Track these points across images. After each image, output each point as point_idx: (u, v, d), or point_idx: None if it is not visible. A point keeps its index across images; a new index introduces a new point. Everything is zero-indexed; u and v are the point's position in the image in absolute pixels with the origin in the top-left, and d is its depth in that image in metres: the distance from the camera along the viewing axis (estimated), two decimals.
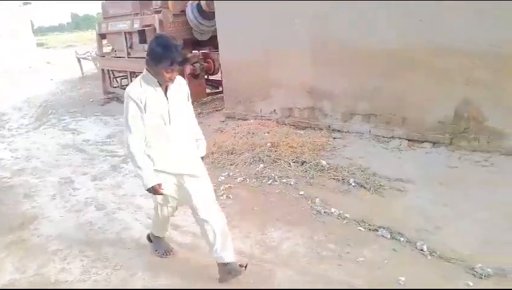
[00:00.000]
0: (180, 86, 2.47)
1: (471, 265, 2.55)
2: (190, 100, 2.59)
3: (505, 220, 3.01)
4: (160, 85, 2.37)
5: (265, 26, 5.64)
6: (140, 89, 2.34)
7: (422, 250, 2.76)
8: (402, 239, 2.90)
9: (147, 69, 2.35)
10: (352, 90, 5.08)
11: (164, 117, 2.39)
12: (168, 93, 2.40)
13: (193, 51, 7.86)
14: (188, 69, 7.17)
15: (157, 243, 3.01)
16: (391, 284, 2.48)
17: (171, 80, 2.32)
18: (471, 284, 2.41)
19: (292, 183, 3.97)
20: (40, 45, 25.35)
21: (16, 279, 2.89)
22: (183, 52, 2.27)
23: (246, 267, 2.58)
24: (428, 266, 2.62)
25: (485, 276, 2.46)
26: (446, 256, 2.68)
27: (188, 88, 2.55)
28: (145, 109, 2.33)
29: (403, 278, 2.50)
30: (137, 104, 2.32)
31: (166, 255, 2.96)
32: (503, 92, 3.95)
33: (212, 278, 2.65)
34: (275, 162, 4.46)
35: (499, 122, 4.04)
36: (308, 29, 5.26)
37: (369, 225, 3.13)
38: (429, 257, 2.70)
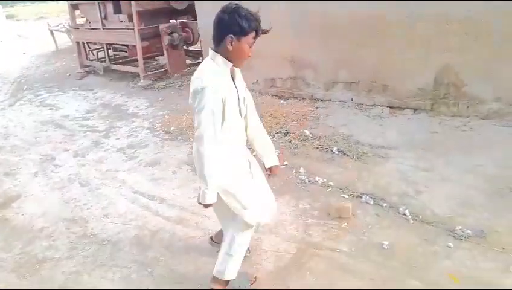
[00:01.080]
0: (239, 72, 2.09)
1: (452, 227, 2.65)
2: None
3: (483, 183, 3.11)
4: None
5: None
6: (216, 78, 1.89)
7: (404, 214, 2.85)
8: (385, 205, 2.98)
9: (215, 51, 1.93)
10: (333, 59, 5.04)
11: (237, 110, 2.02)
12: (235, 81, 2.02)
13: (170, 21, 7.62)
14: (166, 39, 6.97)
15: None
16: (375, 247, 2.57)
17: (250, 57, 1.95)
18: (452, 245, 2.51)
19: (277, 154, 3.97)
20: (9, 17, 24.12)
21: (3, 258, 2.86)
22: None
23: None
24: (411, 229, 2.71)
25: (464, 237, 2.56)
26: (428, 219, 2.77)
27: None
28: (225, 102, 1.90)
29: (386, 242, 2.58)
30: (217, 96, 1.87)
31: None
32: (480, 58, 3.99)
33: (199, 248, 2.70)
34: None
35: (477, 88, 4.10)
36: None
37: (352, 191, 3.19)
38: (412, 221, 2.79)
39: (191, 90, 1.92)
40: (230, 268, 2.20)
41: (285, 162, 3.78)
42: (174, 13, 7.72)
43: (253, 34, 1.87)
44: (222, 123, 1.93)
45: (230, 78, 1.99)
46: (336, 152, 3.87)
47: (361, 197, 3.11)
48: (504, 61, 3.88)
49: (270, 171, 2.32)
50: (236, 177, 2.09)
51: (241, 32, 1.85)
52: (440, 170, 3.37)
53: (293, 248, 2.65)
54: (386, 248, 2.55)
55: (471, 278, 2.26)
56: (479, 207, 2.85)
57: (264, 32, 1.94)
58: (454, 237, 2.58)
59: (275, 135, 4.37)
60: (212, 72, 1.91)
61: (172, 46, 7.15)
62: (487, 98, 4.07)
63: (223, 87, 1.90)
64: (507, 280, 2.23)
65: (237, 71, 2.06)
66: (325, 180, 3.41)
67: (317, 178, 3.45)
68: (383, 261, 2.46)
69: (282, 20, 5.21)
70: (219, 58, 1.92)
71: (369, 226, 2.78)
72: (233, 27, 1.84)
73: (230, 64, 1.95)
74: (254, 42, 1.92)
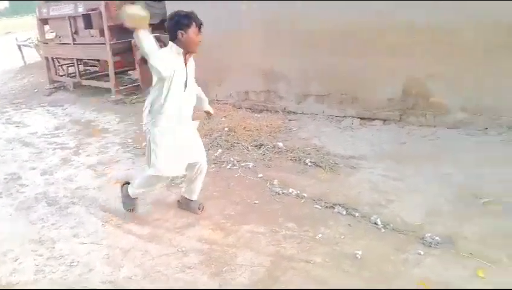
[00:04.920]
0: (192, 62, 2.87)
1: (422, 235, 2.71)
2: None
3: (450, 191, 3.21)
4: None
5: (217, 8, 5.53)
6: (170, 55, 2.66)
7: (376, 223, 2.89)
8: (357, 214, 3.02)
9: (173, 41, 2.67)
10: (305, 72, 5.14)
11: (182, 85, 2.75)
12: (187, 67, 2.77)
13: None
14: (138, 54, 6.91)
15: (128, 198, 3.27)
16: (349, 258, 2.59)
17: (200, 42, 2.68)
18: (422, 252, 2.56)
19: (251, 166, 3.99)
20: None
21: None
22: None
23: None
24: (383, 238, 2.76)
25: (434, 244, 2.61)
26: (398, 228, 2.83)
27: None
28: (173, 74, 2.64)
29: (359, 252, 2.61)
30: (169, 59, 2.62)
31: (131, 211, 3.31)
32: (447, 69, 4.15)
33: (173, 265, 2.65)
34: (233, 146, 4.46)
35: (443, 98, 4.25)
36: (258, 12, 5.22)
37: (325, 202, 3.22)
38: (383, 230, 2.83)
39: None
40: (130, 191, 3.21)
41: (260, 175, 3.79)
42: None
43: (194, 24, 2.63)
44: (167, 94, 2.71)
45: (183, 62, 2.74)
46: (309, 164, 3.92)
47: (333, 207, 3.14)
48: (469, 72, 4.06)
49: (207, 115, 3.34)
50: (164, 139, 2.83)
51: (186, 26, 2.62)
52: (409, 179, 3.45)
53: (267, 261, 2.63)
54: (359, 257, 2.57)
55: (440, 284, 2.31)
56: (447, 214, 2.93)
57: (201, 23, 2.68)
58: (424, 244, 2.64)
59: (249, 147, 4.38)
60: (168, 52, 2.68)
61: (145, 60, 7.07)
62: (453, 108, 4.23)
63: (173, 63, 2.64)
64: (475, 285, 2.29)
65: (190, 60, 2.83)
66: (298, 191, 3.43)
67: (290, 190, 3.47)
68: (356, 271, 2.48)
69: (255, 33, 5.29)
70: (174, 46, 2.69)
71: (342, 237, 2.81)
72: (179, 24, 2.63)
73: (181, 50, 2.69)
74: (200, 32, 2.68)
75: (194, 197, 3.28)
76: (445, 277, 2.36)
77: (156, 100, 2.79)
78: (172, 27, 2.64)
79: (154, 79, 2.72)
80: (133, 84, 7.54)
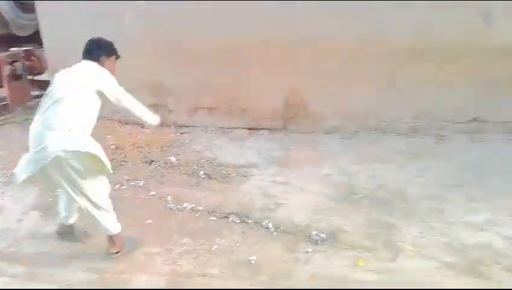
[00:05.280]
0: None
1: (309, 233, 2.91)
2: None
3: (331, 190, 3.53)
4: None
5: (96, 19, 5.22)
6: None
7: (268, 228, 3.03)
8: (250, 221, 3.13)
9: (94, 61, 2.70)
10: (194, 86, 5.15)
11: None
12: None
13: (11, 49, 6.76)
14: (6, 69, 6.15)
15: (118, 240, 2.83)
16: (244, 264, 2.66)
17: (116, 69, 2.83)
18: (310, 250, 2.75)
19: (142, 184, 3.85)
20: None
21: None
22: None
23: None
24: (275, 241, 2.90)
25: (320, 241, 2.84)
26: (288, 229, 3.00)
27: None
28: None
29: (254, 258, 2.70)
30: None
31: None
32: (320, 80, 4.57)
33: None
34: (121, 165, 4.24)
35: (319, 107, 4.69)
36: (143, 25, 5.10)
37: (220, 213, 3.26)
38: (275, 233, 2.98)
39: (104, 82, 2.61)
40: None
41: (152, 193, 3.68)
42: (17, 40, 6.89)
43: (114, 57, 2.83)
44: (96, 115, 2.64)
45: None
46: (203, 176, 3.94)
47: (228, 217, 3.20)
48: (340, 82, 4.51)
49: None
50: None
51: (111, 53, 2.80)
52: (295, 182, 3.71)
53: (163, 281, 2.56)
54: (254, 263, 2.66)
55: (328, 278, 2.51)
56: (329, 212, 3.21)
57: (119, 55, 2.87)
58: (311, 242, 2.84)
59: (140, 165, 4.23)
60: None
61: (15, 76, 6.33)
62: (328, 115, 4.68)
63: None
64: (356, 274, 2.53)
65: None
66: (193, 205, 3.42)
67: (185, 204, 3.43)
68: (252, 276, 2.56)
69: (141, 48, 5.12)
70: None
71: (237, 245, 2.87)
72: (106, 49, 2.78)
73: None
74: (116, 59, 2.85)
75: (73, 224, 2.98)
76: (331, 270, 2.58)
77: (89, 121, 2.58)
78: (96, 51, 2.73)
79: (89, 98, 2.56)
80: (0, 103, 6.67)
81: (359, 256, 2.67)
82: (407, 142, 4.38)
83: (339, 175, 3.79)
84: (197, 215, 3.30)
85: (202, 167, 4.13)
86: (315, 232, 2.92)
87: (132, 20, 5.11)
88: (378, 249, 2.73)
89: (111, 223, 2.71)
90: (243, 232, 3.02)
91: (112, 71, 2.74)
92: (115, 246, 2.77)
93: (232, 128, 5.04)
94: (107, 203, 2.69)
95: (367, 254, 2.69)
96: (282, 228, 3.02)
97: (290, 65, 4.62)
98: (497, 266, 2.48)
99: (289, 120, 4.83)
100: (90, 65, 2.68)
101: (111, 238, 2.76)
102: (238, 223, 3.13)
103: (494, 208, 3.07)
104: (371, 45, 4.35)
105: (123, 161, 4.30)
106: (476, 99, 4.29)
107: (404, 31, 4.25)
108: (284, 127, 4.85)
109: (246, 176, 3.89)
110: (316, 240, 2.85)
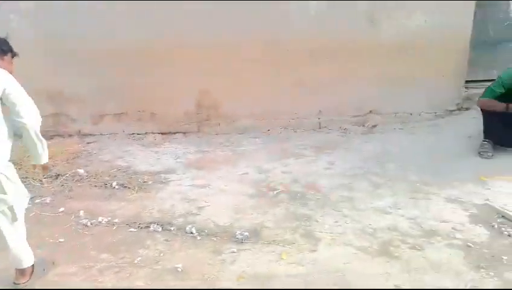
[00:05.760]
0: None
1: (233, 233, 2.96)
2: None
3: (250, 188, 3.63)
4: None
5: None
6: None
7: (192, 233, 3.01)
8: (173, 228, 3.07)
9: None
10: (99, 92, 4.87)
11: None
12: None
13: None
14: None
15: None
16: (171, 273, 2.61)
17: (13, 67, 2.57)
18: (235, 249, 2.80)
19: (48, 201, 3.55)
20: None
21: None
22: None
23: None
24: (200, 245, 2.89)
25: (244, 240, 2.90)
26: (212, 232, 3.01)
27: None
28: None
29: (180, 265, 2.66)
30: None
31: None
32: (231, 81, 4.66)
33: None
34: (22, 182, 3.83)
35: (231, 108, 4.78)
36: (35, 30, 4.65)
37: (139, 223, 3.15)
38: (199, 237, 2.97)
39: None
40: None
41: (61, 209, 3.41)
42: None
43: (10, 54, 2.57)
44: None
45: None
46: (116, 186, 3.76)
47: (149, 226, 3.11)
48: (250, 83, 4.64)
49: None
50: None
51: (4, 52, 2.52)
52: (214, 183, 3.74)
53: None
54: (180, 270, 2.63)
55: (254, 275, 2.58)
56: (250, 209, 3.30)
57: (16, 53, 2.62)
58: (236, 241, 2.89)
59: (43, 180, 3.88)
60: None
61: None
62: (240, 115, 4.80)
63: None
64: (280, 267, 2.62)
65: None
66: (109, 218, 3.25)
67: (100, 218, 3.24)
68: (180, 283, 2.53)
69: (34, 55, 4.63)
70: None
71: (161, 254, 2.81)
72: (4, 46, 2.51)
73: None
74: (13, 57, 2.59)
75: None
76: (257, 266, 2.65)
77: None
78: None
79: None
80: None
81: (282, 250, 2.79)
82: (315, 137, 4.70)
83: (256, 173, 3.92)
84: (114, 228, 3.14)
85: (115, 176, 3.94)
86: (239, 231, 2.98)
87: (19, 24, 4.63)
88: (298, 241, 2.88)
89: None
90: (166, 240, 2.95)
91: (10, 71, 2.50)
92: (24, 276, 2.51)
93: (145, 133, 4.88)
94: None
95: (289, 247, 2.83)
96: (206, 231, 3.03)
97: (200, 67, 4.62)
98: (404, 245, 2.76)
99: (203, 122, 4.84)
100: None
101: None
102: (160, 231, 3.05)
103: (396, 192, 3.45)
104: (276, 46, 4.56)
105: (23, 178, 3.87)
106: (370, 94, 4.77)
107: (306, 31, 4.53)
108: (199, 130, 4.86)
109: (163, 182, 3.81)
110: (241, 239, 2.91)
